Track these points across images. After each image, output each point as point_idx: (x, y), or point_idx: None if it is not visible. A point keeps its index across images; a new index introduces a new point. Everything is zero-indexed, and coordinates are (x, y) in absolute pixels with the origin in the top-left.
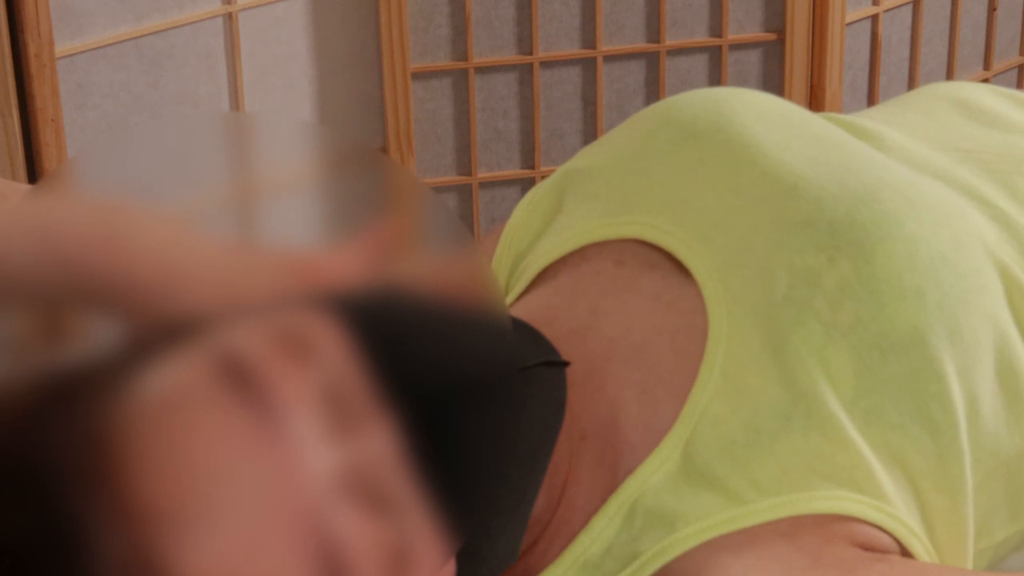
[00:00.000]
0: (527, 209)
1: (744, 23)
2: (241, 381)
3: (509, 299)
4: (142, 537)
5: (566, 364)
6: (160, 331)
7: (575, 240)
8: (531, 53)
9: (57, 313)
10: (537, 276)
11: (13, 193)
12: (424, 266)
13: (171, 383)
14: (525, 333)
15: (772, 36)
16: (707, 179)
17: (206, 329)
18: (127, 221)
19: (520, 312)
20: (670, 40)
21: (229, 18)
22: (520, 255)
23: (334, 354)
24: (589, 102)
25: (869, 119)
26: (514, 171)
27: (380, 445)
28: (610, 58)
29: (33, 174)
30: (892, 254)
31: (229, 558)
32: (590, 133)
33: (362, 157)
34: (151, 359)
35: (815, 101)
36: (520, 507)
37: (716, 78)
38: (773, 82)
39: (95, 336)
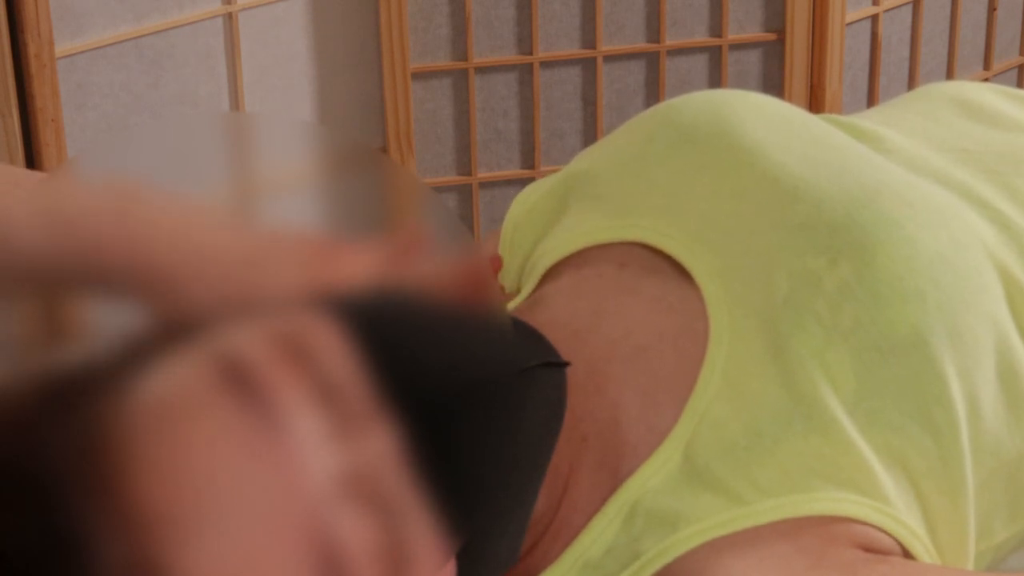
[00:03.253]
0: (527, 208)
1: (744, 23)
2: (241, 384)
3: (520, 299)
4: (143, 541)
5: (566, 364)
6: (167, 326)
7: (577, 242)
8: (531, 53)
9: (68, 301)
10: (541, 277)
11: (27, 180)
12: (424, 267)
13: (171, 386)
14: (525, 334)
15: (772, 36)
16: (707, 182)
17: (207, 331)
18: (141, 206)
19: (523, 314)
20: (670, 40)
21: (229, 18)
22: (526, 256)
23: (334, 357)
24: (589, 102)
25: (868, 120)
26: (514, 171)
27: (380, 448)
28: (610, 58)
29: None
30: (892, 256)
31: (230, 561)
32: (590, 133)
33: (362, 157)
34: (151, 361)
35: (815, 101)
36: (521, 508)
37: (716, 78)
38: (773, 82)
39: (103, 328)
